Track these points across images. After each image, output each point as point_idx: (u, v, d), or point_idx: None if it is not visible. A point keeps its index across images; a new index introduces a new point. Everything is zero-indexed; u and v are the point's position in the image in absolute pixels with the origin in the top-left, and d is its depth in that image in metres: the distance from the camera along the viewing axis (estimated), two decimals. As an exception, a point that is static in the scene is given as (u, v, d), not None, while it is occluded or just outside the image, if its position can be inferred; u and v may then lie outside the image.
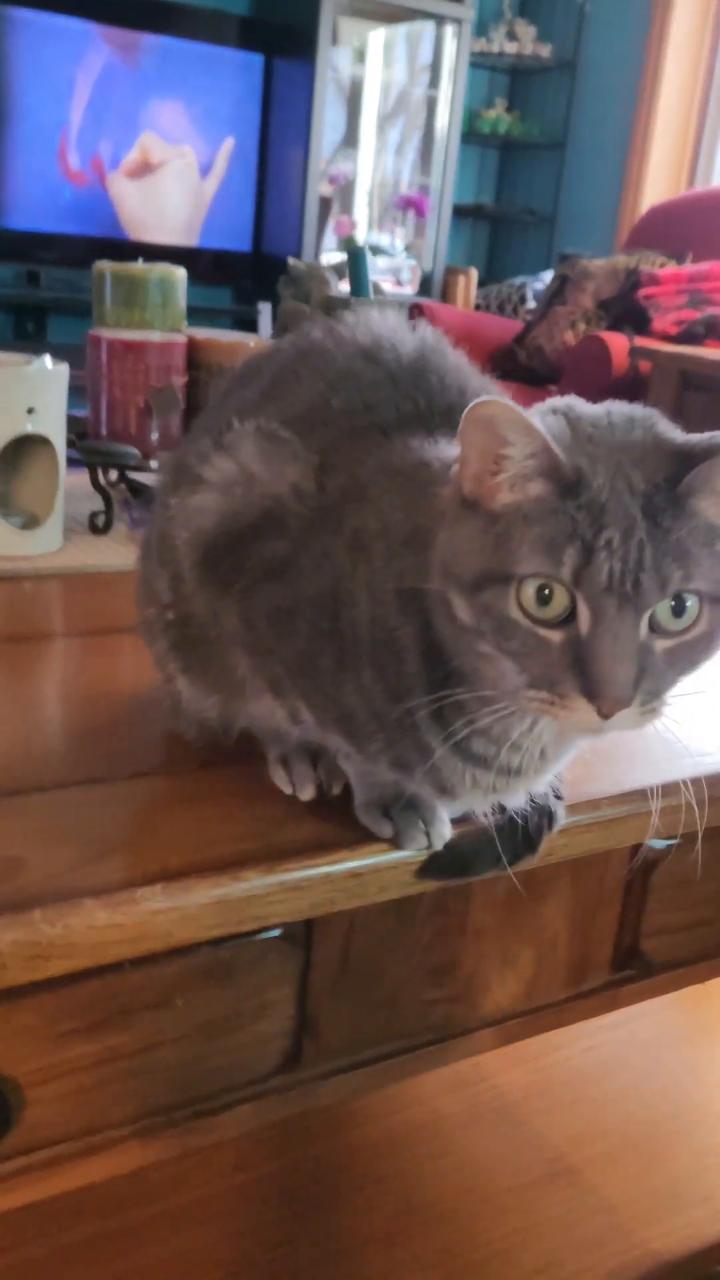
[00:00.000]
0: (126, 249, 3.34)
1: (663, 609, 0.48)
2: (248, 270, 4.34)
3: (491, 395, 0.49)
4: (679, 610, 0.48)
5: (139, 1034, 0.60)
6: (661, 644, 0.49)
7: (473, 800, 0.59)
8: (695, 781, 0.72)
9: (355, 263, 1.21)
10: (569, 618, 0.48)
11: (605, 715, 0.48)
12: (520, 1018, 0.76)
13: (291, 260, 1.35)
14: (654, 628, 0.48)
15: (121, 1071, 0.60)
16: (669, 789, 0.71)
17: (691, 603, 0.48)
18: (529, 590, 0.48)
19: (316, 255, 4.26)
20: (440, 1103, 1.07)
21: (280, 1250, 0.92)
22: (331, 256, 4.31)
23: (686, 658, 0.50)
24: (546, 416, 0.52)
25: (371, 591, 0.55)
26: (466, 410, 0.48)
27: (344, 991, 0.67)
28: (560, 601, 0.48)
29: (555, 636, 0.48)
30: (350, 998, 0.68)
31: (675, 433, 0.52)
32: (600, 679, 0.47)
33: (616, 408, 0.53)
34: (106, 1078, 0.60)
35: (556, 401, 0.53)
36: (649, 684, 0.49)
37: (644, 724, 0.50)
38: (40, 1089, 0.58)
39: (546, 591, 0.48)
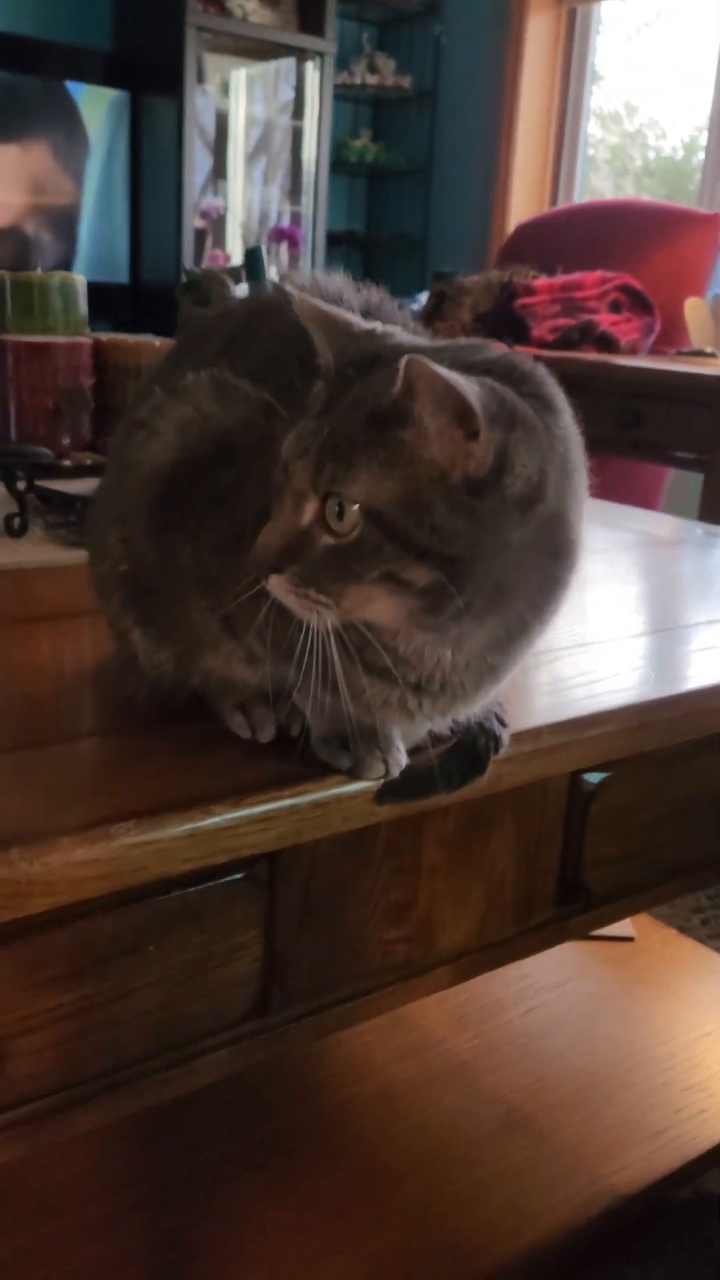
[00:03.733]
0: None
1: (331, 506, 0.52)
2: (126, 302, 4.34)
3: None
4: (340, 513, 0.51)
5: (113, 982, 0.61)
6: (326, 539, 0.52)
7: (391, 720, 0.60)
8: (625, 709, 0.76)
9: (253, 261, 1.24)
10: None
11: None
12: (474, 954, 0.78)
13: (188, 267, 1.37)
14: (326, 523, 0.52)
15: (98, 1022, 0.61)
16: (602, 718, 0.75)
17: (350, 508, 0.51)
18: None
19: (194, 286, 4.29)
20: (393, 1071, 1.09)
21: (248, 1221, 0.92)
22: (210, 286, 4.34)
23: (342, 562, 0.52)
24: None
25: None
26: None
27: (308, 933, 0.69)
28: None
29: None
30: (314, 940, 0.69)
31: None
32: (256, 543, 0.53)
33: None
34: (83, 1029, 0.60)
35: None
36: (302, 569, 0.52)
37: (302, 607, 0.53)
38: (18, 1041, 0.58)
39: None
